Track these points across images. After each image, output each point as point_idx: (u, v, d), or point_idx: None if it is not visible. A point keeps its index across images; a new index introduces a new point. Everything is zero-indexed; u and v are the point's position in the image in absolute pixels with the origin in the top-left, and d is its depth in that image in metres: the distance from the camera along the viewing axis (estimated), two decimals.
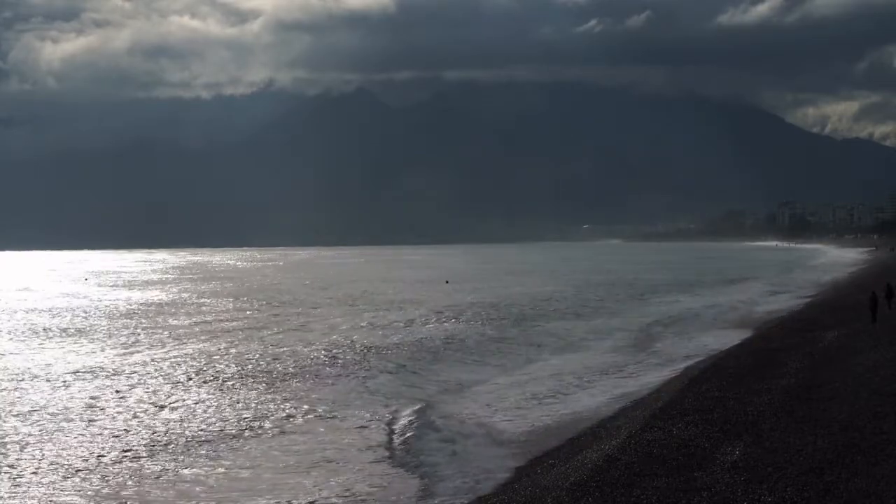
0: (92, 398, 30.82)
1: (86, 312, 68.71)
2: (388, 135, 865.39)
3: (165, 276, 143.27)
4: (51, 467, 21.96)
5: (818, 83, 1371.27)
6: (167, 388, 32.96)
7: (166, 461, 22.54)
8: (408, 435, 24.91)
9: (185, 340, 48.04)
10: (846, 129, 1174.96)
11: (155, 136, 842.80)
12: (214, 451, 23.50)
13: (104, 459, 22.65)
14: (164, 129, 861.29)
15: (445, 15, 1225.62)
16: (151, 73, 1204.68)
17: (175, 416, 27.94)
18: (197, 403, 29.90)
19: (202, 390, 32.47)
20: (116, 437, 25.07)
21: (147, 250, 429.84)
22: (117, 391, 32.32)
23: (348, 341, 45.76)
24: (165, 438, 24.87)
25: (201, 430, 25.89)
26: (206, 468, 21.96)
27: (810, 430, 19.86)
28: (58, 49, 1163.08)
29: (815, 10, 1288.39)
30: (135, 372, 36.77)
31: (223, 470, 21.85)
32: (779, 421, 21.14)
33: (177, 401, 30.40)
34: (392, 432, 25.38)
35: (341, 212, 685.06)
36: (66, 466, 22.03)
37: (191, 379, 35.01)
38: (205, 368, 37.57)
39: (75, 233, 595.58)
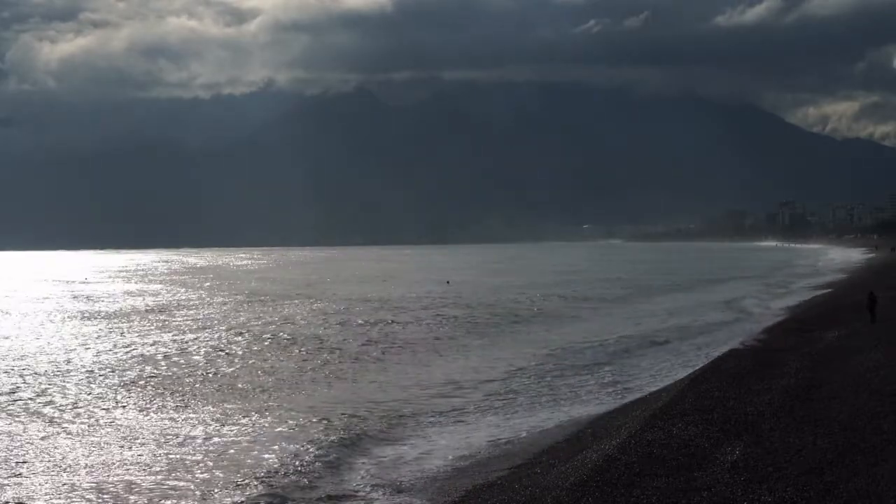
0: None
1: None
2: (388, 135, 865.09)
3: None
4: None
5: (818, 83, 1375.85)
6: None
7: None
8: None
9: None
10: (846, 129, 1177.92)
11: (154, 136, 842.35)
12: None
13: None
14: (163, 129, 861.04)
15: (444, 15, 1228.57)
16: (150, 74, 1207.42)
17: None
18: None
19: None
20: None
21: (147, 250, 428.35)
22: None
23: None
24: None
25: None
26: None
27: (810, 430, 19.87)
28: (56, 49, 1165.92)
29: (815, 10, 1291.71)
30: None
31: None
32: (779, 421, 21.14)
33: None
34: None
35: (341, 212, 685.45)
36: None
37: None
38: None
39: (74, 233, 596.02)
